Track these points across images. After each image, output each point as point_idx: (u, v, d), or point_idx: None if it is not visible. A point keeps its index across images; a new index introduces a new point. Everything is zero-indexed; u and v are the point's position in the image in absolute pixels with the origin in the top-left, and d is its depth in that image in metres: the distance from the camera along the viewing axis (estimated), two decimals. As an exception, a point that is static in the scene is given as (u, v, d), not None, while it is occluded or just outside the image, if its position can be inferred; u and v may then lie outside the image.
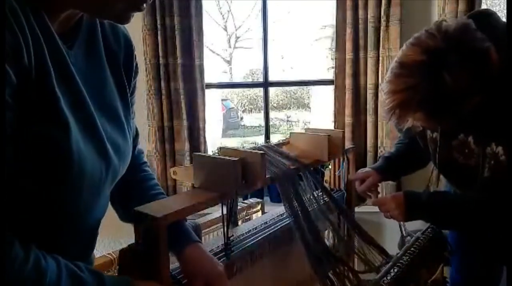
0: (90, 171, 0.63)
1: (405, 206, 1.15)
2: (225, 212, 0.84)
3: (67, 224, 0.66)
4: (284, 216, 1.03)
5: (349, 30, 2.29)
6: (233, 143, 7.86)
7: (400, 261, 1.06)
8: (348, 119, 2.37)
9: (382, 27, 2.25)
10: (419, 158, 1.36)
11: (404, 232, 1.30)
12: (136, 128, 0.87)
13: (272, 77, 2.76)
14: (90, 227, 0.74)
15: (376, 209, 1.25)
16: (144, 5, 0.62)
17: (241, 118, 9.55)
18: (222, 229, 0.86)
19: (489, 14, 1.02)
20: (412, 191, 1.19)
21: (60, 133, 0.58)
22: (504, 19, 1.05)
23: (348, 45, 2.32)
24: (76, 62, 0.65)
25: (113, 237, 2.30)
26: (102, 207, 0.74)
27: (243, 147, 1.05)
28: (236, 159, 0.77)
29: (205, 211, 0.87)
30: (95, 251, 0.80)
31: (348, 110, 2.37)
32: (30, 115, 0.54)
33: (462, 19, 0.97)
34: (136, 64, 0.82)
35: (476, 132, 1.09)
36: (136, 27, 2.26)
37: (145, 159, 0.95)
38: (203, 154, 0.84)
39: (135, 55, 0.81)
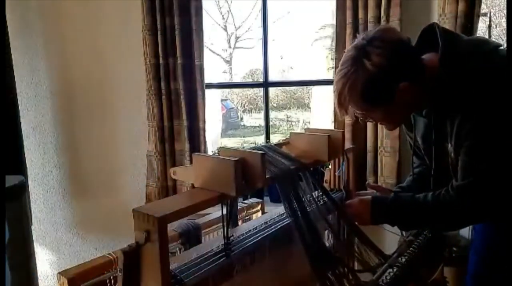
0: None
1: (371, 210, 1.15)
2: (225, 212, 0.84)
3: None
4: (284, 216, 1.03)
5: (349, 30, 2.29)
6: (233, 143, 7.86)
7: (399, 260, 1.06)
8: (348, 119, 2.37)
9: (382, 27, 2.25)
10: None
11: (404, 232, 1.30)
12: None
13: (272, 77, 2.75)
14: None
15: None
16: None
17: (241, 118, 9.56)
18: (222, 229, 0.86)
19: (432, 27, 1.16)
20: (380, 196, 1.22)
21: None
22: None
23: (348, 45, 2.31)
24: None
25: (113, 237, 2.30)
26: None
27: (243, 147, 1.05)
28: (236, 159, 0.77)
29: (205, 211, 0.87)
30: (95, 250, 0.80)
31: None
32: None
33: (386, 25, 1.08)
34: None
35: (436, 133, 1.18)
36: (136, 27, 2.26)
37: None
38: (203, 154, 0.84)
39: None
